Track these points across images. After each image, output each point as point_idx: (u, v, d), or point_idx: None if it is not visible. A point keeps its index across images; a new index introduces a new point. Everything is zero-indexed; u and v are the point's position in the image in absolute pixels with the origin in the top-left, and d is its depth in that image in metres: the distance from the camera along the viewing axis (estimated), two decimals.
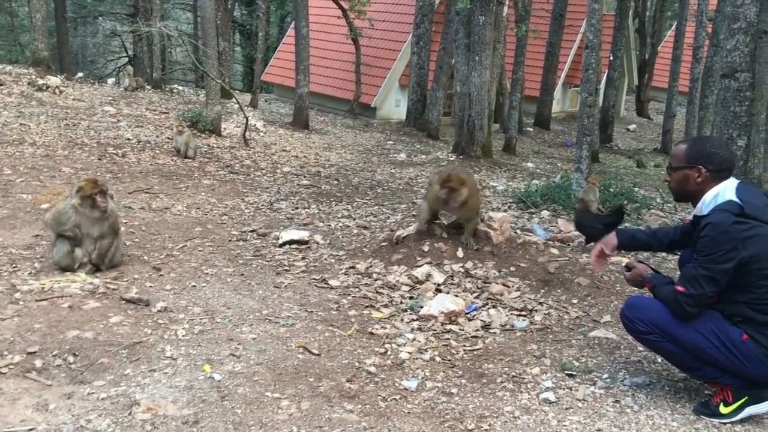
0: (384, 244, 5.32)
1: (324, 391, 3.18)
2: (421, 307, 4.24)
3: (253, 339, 3.71)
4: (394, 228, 6.18)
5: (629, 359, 3.63)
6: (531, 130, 18.03)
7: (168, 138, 9.83)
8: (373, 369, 3.43)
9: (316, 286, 4.68)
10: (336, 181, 9.04)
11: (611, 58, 16.40)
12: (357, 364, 3.50)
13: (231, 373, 3.29)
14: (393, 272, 4.84)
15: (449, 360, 3.61)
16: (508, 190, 8.99)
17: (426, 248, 5.02)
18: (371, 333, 3.90)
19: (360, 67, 16.90)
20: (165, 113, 12.07)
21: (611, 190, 7.70)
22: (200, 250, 5.30)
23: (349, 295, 4.52)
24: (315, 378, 3.30)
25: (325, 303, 4.35)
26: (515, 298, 4.47)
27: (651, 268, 3.22)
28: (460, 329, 4.01)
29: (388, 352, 3.65)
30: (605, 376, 3.42)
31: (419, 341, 3.81)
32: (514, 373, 3.45)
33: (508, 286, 4.61)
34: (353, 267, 5.00)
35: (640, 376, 3.41)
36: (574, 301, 4.46)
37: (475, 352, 3.72)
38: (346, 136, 14.10)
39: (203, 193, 7.35)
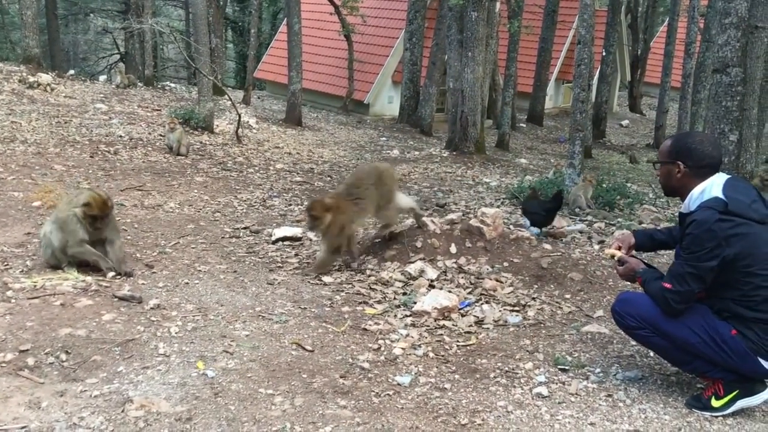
0: (377, 240, 5.32)
1: (317, 387, 3.17)
2: (415, 303, 4.24)
3: (246, 336, 3.70)
4: None
5: (622, 354, 3.64)
6: (524, 126, 18.07)
7: (160, 135, 9.79)
8: (366, 365, 3.43)
9: (309, 282, 4.67)
10: (329, 178, 9.03)
11: (604, 53, 16.45)
12: (350, 360, 3.49)
13: (224, 369, 3.28)
14: (386, 268, 4.84)
15: (442, 355, 3.61)
16: (501, 186, 9.01)
17: (419, 244, 5.02)
18: (364, 329, 3.90)
19: (353, 63, 16.88)
20: (157, 110, 12.03)
21: (604, 185, 7.72)
22: (193, 248, 5.29)
23: (342, 291, 4.52)
24: (308, 374, 3.30)
25: (318, 299, 4.35)
26: (508, 293, 4.47)
27: (644, 262, 3.23)
28: (453, 325, 4.01)
29: (382, 348, 3.65)
30: (598, 370, 3.43)
31: (413, 337, 3.81)
32: (507, 368, 3.45)
33: (501, 282, 4.61)
34: (346, 263, 5.01)
35: (633, 370, 3.42)
36: (567, 296, 4.47)
37: (468, 348, 3.72)
38: (339, 132, 14.08)
39: (196, 191, 7.33)
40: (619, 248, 3.36)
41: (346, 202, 4.87)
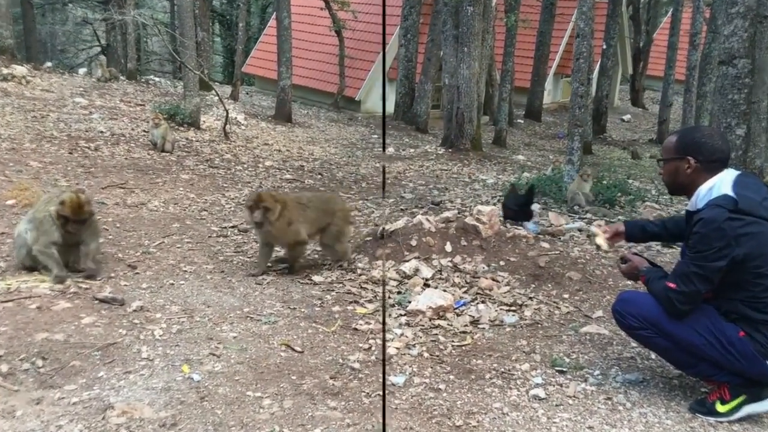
0: (368, 238, 5.24)
1: (307, 388, 3.10)
2: (409, 302, 4.16)
3: (233, 337, 3.60)
4: (378, 223, 6.10)
5: (622, 355, 3.55)
6: (522, 122, 17.92)
7: (144, 131, 9.61)
8: (357, 365, 3.34)
9: (298, 282, 4.59)
10: (320, 176, 8.92)
11: (604, 46, 16.25)
12: (343, 360, 3.41)
13: (211, 372, 3.19)
14: (378, 267, 4.75)
15: (437, 356, 3.54)
16: (498, 183, 8.91)
17: (414, 242, 4.94)
18: (355, 329, 3.82)
19: (344, 59, 16.72)
20: (141, 105, 11.80)
21: (604, 182, 7.62)
22: (178, 247, 5.16)
23: (332, 290, 4.43)
24: (298, 376, 3.22)
25: (308, 299, 4.26)
26: (505, 292, 4.40)
27: (647, 260, 3.13)
28: (448, 324, 3.93)
29: (373, 348, 3.56)
30: (597, 372, 3.34)
31: (407, 336, 3.73)
32: (503, 369, 3.37)
33: (498, 281, 4.54)
34: (337, 262, 4.91)
35: (633, 372, 3.33)
36: (565, 295, 4.39)
37: (463, 348, 3.64)
38: (329, 129, 13.95)
39: (181, 188, 7.18)
40: (605, 232, 3.28)
41: (293, 203, 4.66)
